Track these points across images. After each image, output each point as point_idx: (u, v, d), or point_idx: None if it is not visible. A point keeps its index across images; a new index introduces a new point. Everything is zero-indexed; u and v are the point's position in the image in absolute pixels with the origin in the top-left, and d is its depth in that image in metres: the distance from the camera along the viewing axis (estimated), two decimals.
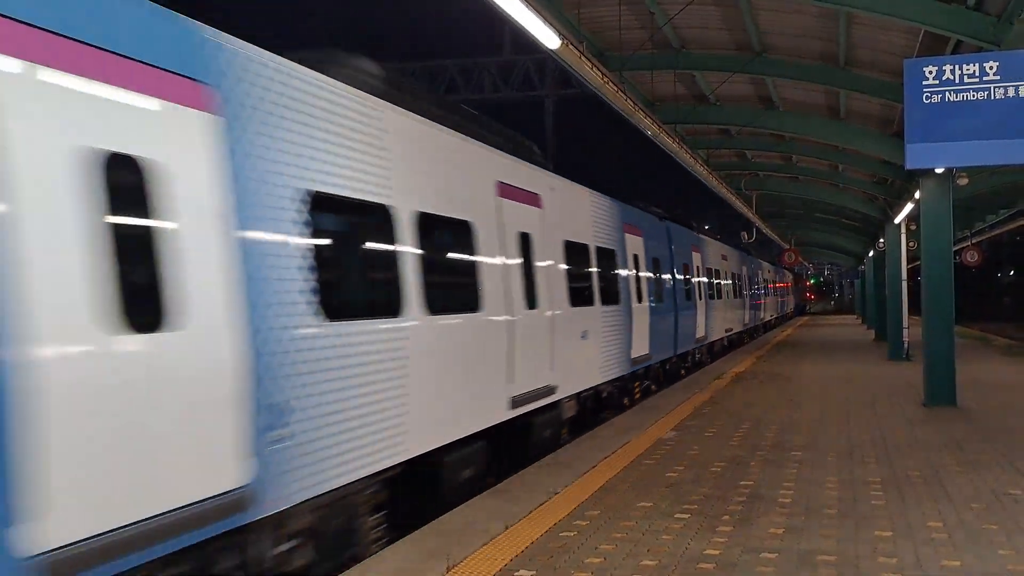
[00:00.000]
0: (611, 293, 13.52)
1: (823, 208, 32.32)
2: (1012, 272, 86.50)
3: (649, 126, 14.26)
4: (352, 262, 6.70)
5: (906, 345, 22.33)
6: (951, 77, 4.99)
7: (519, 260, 9.73)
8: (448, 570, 5.77)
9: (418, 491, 7.78)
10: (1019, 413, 12.57)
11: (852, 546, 6.22)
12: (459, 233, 8.38)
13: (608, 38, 14.39)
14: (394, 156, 7.17)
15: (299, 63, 6.09)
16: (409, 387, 7.04)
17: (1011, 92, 4.89)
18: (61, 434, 3.88)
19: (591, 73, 10.93)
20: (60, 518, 3.85)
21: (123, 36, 4.49)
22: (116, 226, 4.29)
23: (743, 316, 30.81)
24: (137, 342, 4.35)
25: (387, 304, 6.86)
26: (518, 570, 5.78)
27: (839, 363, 21.59)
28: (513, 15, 8.68)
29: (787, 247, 40.42)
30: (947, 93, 4.98)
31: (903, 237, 22.81)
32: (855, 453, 9.70)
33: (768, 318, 42.22)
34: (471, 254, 8.56)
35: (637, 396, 15.81)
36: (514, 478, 8.70)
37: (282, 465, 5.38)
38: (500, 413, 9.00)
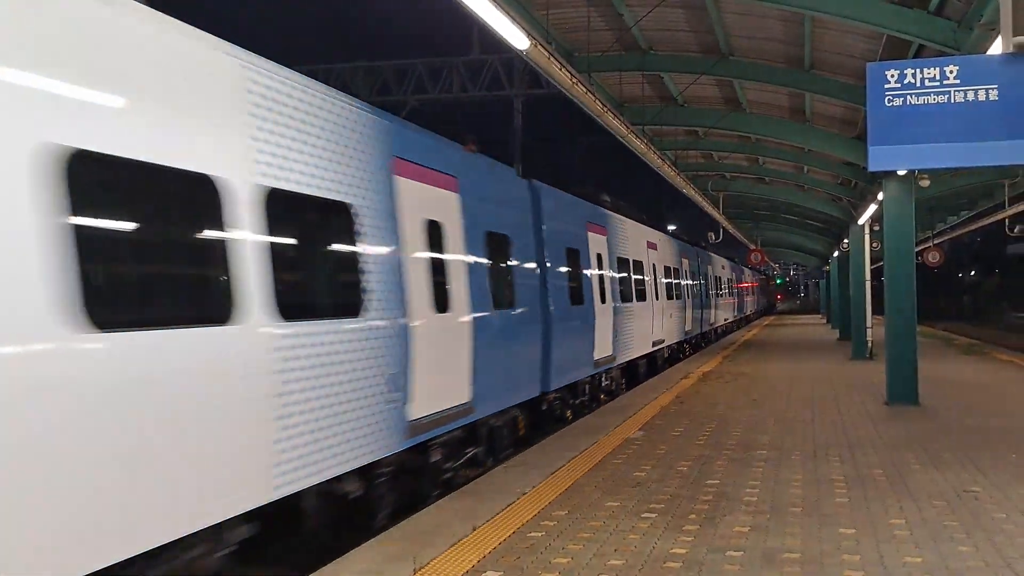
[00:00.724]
0: (680, 294, 24.35)
1: (789, 209, 32.62)
2: (973, 272, 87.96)
3: (618, 127, 14.32)
4: (633, 280, 17.76)
5: (869, 344, 22.62)
6: (912, 81, 5.05)
7: (654, 276, 20.40)
8: (415, 572, 5.76)
9: (628, 374, 18.28)
10: (979, 411, 12.78)
11: (816, 544, 6.30)
12: (641, 265, 18.88)
13: (576, 39, 14.43)
14: (630, 239, 18.17)
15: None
16: (637, 328, 17.96)
17: (970, 96, 4.97)
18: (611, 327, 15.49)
19: (560, 74, 10.94)
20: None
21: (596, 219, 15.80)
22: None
23: (735, 310, 43.61)
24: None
25: (640, 295, 18.39)
26: (485, 571, 5.78)
27: (804, 362, 21.82)
28: (482, 15, 8.67)
29: (753, 247, 40.79)
30: (908, 96, 5.04)
31: (867, 238, 23.09)
32: (819, 452, 9.81)
33: (750, 312, 56.13)
34: (644, 275, 19.17)
35: (688, 353, 26.73)
36: (481, 479, 8.70)
37: (616, 351, 15.86)
38: (649, 347, 19.47)
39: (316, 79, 7.02)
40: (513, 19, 9.02)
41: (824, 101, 16.42)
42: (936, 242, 37.07)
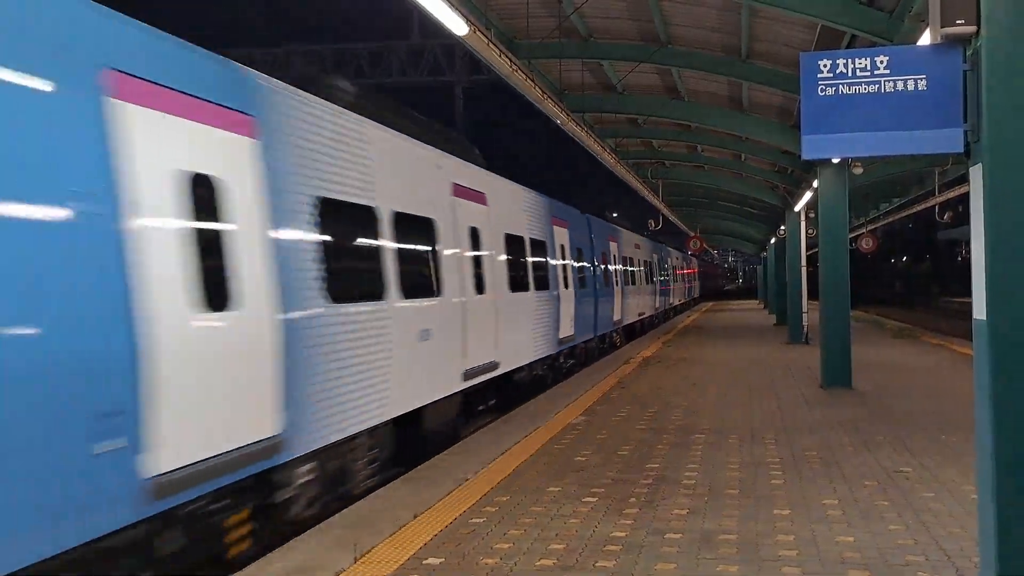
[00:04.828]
0: (652, 279, 32.50)
1: (727, 196, 33.04)
2: (904, 258, 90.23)
3: (558, 115, 14.34)
4: (630, 271, 27.18)
5: (805, 329, 23.07)
6: (844, 71, 5.13)
7: (639, 268, 29.17)
8: (356, 560, 5.74)
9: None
10: (911, 394, 13.13)
11: (752, 525, 6.42)
12: (633, 260, 27.89)
13: (516, 25, 14.40)
14: (627, 243, 27.21)
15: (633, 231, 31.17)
16: (632, 303, 26.72)
17: (900, 85, 5.07)
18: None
19: (499, 61, 10.91)
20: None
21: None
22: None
23: (695, 290, 62.34)
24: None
25: (634, 281, 27.59)
26: (427, 558, 5.78)
27: (742, 347, 22.18)
28: (419, 0, 8.60)
29: (692, 234, 41.33)
30: (840, 86, 5.12)
31: (803, 224, 23.51)
32: (756, 435, 10.00)
33: (703, 292, 74.65)
34: (634, 267, 28.00)
35: (657, 324, 34.49)
36: (424, 466, 8.69)
37: (622, 316, 24.63)
38: (636, 317, 27.58)
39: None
40: (452, 4, 8.96)
41: (761, 90, 16.63)
42: (869, 228, 37.90)
